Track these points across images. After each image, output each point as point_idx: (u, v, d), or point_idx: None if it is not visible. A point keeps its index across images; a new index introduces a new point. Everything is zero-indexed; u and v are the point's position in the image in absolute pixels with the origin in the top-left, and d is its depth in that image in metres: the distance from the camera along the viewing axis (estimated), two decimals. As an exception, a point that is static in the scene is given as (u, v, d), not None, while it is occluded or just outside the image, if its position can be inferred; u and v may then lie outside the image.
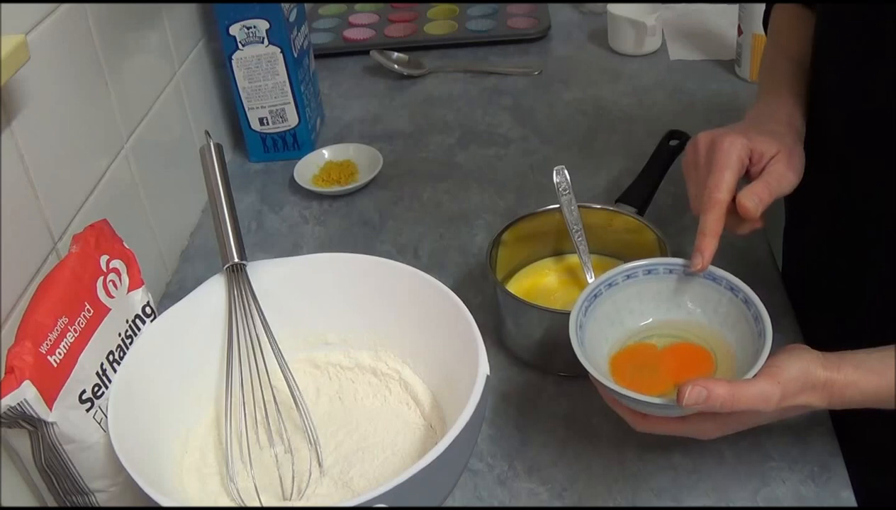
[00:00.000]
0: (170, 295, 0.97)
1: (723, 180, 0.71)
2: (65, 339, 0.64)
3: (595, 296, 0.72)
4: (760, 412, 0.63)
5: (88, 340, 0.67)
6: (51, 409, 0.61)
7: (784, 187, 0.73)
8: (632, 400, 0.64)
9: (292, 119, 1.17)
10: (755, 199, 0.71)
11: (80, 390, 0.65)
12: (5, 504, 0.65)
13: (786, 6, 0.90)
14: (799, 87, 0.82)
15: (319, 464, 0.71)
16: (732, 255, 0.95)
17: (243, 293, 0.76)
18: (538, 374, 0.83)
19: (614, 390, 0.64)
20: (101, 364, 0.68)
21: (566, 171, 0.88)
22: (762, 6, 0.97)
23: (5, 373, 0.60)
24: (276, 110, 1.16)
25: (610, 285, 0.73)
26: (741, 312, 0.69)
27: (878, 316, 0.77)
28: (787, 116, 0.79)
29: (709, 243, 0.71)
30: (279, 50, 1.11)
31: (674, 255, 0.77)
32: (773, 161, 0.73)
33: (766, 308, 0.67)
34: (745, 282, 0.93)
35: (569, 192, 0.87)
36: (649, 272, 0.73)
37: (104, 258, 0.71)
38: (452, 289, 0.73)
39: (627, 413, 0.68)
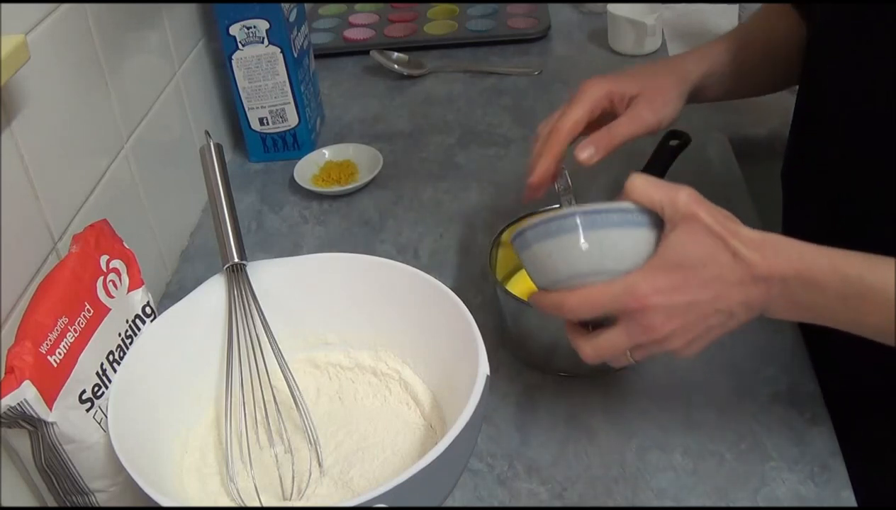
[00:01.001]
0: (170, 295, 0.97)
1: (567, 114, 0.75)
2: (65, 339, 0.64)
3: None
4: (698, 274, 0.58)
5: (88, 340, 0.67)
6: (51, 409, 0.61)
7: (638, 129, 0.75)
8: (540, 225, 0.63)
9: (292, 119, 1.17)
10: (589, 151, 0.75)
11: (80, 390, 0.65)
12: (5, 504, 0.65)
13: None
14: (716, 47, 0.84)
15: (319, 464, 0.71)
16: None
17: (243, 293, 0.76)
18: (538, 374, 0.83)
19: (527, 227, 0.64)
20: (101, 364, 0.68)
21: (566, 172, 0.88)
22: (762, 7, 0.97)
23: (5, 373, 0.60)
24: (276, 110, 1.16)
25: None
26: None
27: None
28: (679, 64, 0.82)
29: (535, 162, 0.76)
30: (279, 50, 1.11)
31: None
32: (633, 102, 0.76)
33: None
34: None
35: (570, 193, 0.87)
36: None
37: (104, 258, 0.71)
38: (452, 289, 0.73)
39: (554, 307, 0.64)
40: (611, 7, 1.38)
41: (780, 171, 0.93)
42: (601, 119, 0.79)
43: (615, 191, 0.94)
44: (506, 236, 0.87)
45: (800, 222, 0.92)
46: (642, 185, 0.61)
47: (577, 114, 0.74)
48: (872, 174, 0.74)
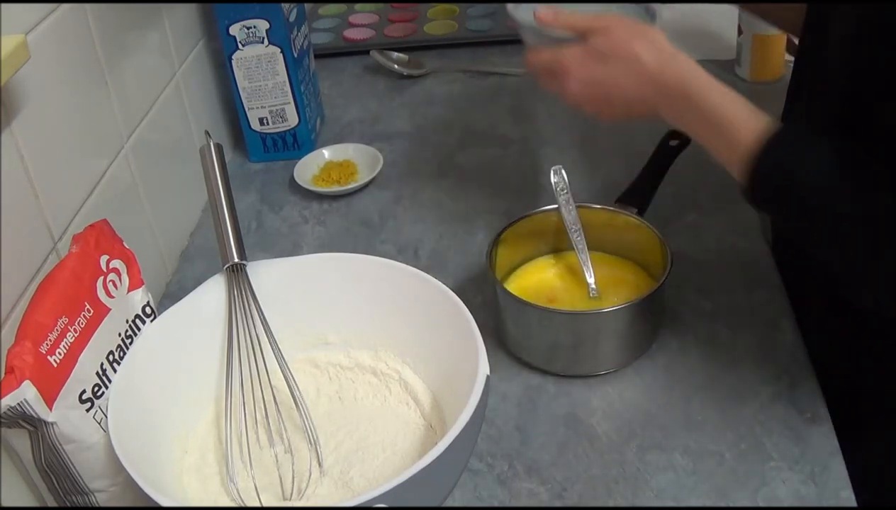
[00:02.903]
0: (170, 295, 0.97)
1: None
2: (65, 339, 0.64)
3: None
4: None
5: (88, 340, 0.67)
6: (51, 409, 0.61)
7: None
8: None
9: (292, 119, 1.17)
10: None
11: (80, 390, 0.65)
12: (5, 504, 0.65)
13: None
14: None
15: (319, 464, 0.71)
16: (732, 256, 0.95)
17: (243, 293, 0.76)
18: (538, 374, 0.83)
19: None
20: (101, 364, 0.68)
21: (563, 171, 0.88)
22: (762, 6, 0.96)
23: (5, 373, 0.60)
24: (276, 110, 1.16)
25: None
26: None
27: (879, 316, 0.77)
28: None
29: None
30: (279, 50, 1.11)
31: (674, 260, 0.78)
32: None
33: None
34: (744, 282, 0.93)
35: (567, 192, 0.87)
36: None
37: (104, 258, 0.71)
38: (452, 289, 0.73)
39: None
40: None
41: None
42: None
43: (612, 191, 0.95)
44: (506, 236, 0.87)
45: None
46: None
47: None
48: None
